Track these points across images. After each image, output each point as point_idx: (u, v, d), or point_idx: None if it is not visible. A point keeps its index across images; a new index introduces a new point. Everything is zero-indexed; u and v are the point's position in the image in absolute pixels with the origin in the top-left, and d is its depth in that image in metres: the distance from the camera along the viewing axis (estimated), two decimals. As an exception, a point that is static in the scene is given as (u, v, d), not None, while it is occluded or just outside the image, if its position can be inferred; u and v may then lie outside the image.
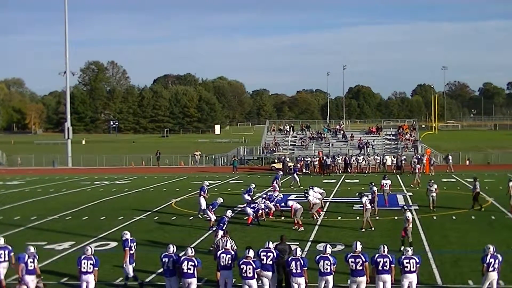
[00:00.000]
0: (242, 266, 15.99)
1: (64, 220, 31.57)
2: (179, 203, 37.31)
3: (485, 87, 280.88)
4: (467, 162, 66.54)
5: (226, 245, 16.88)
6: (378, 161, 59.35)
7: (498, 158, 69.91)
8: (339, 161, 59.27)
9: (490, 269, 15.95)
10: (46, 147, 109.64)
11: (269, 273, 16.43)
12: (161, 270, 17.18)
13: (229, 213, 24.70)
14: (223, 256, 16.49)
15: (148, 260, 21.39)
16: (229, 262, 16.42)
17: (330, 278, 15.95)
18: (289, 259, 16.14)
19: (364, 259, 15.99)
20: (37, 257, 17.36)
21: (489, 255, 16.03)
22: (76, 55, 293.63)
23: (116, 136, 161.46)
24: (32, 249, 17.16)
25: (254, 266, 16.02)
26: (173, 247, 16.73)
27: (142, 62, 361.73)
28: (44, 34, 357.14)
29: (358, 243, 16.44)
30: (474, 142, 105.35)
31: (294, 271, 15.97)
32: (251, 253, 16.16)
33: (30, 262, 16.83)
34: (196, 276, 16.23)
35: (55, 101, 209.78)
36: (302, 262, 16.00)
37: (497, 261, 16.00)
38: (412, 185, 44.19)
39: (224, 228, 22.23)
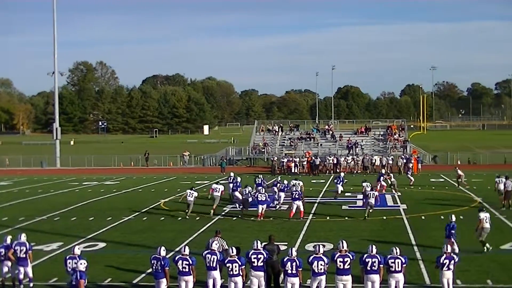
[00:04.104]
0: (228, 265, 16.15)
1: (52, 221, 31.46)
2: (168, 203, 37.27)
3: (473, 87, 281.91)
4: (458, 162, 66.74)
5: (211, 246, 16.88)
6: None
7: (486, 158, 70.24)
8: (331, 161, 59.42)
9: (445, 268, 16.29)
10: (34, 148, 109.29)
11: (261, 273, 16.48)
12: (150, 270, 17.17)
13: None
14: (208, 257, 16.54)
15: (137, 260, 21.36)
16: (214, 263, 16.47)
17: (323, 278, 16.01)
18: (285, 259, 16.15)
19: (351, 258, 16.07)
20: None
21: (444, 256, 16.37)
22: (65, 56, 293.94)
23: (104, 137, 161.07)
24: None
25: (240, 263, 16.16)
26: (163, 250, 16.62)
27: (131, 62, 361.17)
28: (33, 34, 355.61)
29: (344, 242, 16.49)
30: (463, 142, 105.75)
31: (289, 271, 16.00)
32: (235, 251, 16.34)
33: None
34: (192, 274, 16.27)
35: (44, 102, 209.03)
36: (297, 262, 16.03)
37: (452, 261, 16.31)
38: (411, 185, 44.12)
39: None
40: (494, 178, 35.66)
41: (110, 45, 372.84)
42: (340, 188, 38.24)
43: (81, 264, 15.56)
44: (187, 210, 31.64)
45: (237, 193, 34.06)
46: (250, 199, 31.79)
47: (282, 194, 34.68)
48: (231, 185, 36.32)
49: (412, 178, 45.52)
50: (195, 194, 32.08)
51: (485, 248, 22.04)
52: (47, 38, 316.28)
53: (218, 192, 32.88)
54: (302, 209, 30.51)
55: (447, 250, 16.46)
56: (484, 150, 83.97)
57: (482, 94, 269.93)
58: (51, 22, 74.10)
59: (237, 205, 33.64)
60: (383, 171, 46.24)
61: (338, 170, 58.08)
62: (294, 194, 30.85)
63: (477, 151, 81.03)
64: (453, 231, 21.42)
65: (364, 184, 33.94)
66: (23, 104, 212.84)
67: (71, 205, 37.10)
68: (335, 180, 39.37)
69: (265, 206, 30.81)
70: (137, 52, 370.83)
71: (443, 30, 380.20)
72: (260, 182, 35.84)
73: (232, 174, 38.01)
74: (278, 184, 35.57)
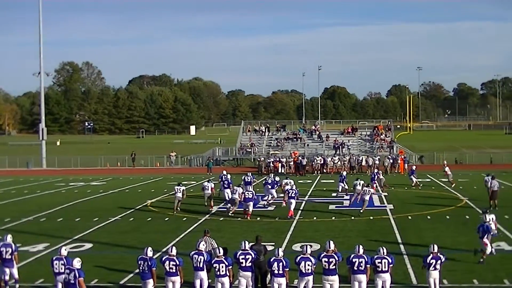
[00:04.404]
0: (215, 265, 16.18)
1: (38, 222, 31.32)
2: (154, 204, 37.18)
3: (459, 88, 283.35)
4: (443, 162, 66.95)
5: (199, 247, 16.85)
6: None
7: (472, 158, 70.57)
8: (318, 162, 59.50)
9: (431, 268, 16.35)
10: (20, 148, 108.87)
11: (249, 273, 16.49)
12: (137, 271, 17.13)
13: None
14: (195, 257, 16.52)
15: (124, 261, 21.30)
16: (201, 263, 16.45)
17: (311, 278, 16.03)
18: (272, 260, 16.16)
19: (337, 259, 16.08)
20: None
21: (430, 256, 16.43)
22: (51, 56, 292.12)
23: (91, 137, 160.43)
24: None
25: (226, 263, 16.17)
26: (150, 250, 16.58)
27: (117, 62, 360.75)
28: (18, 34, 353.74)
29: (331, 242, 16.51)
30: (449, 142, 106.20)
31: (276, 271, 16.00)
32: (222, 252, 16.39)
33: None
34: (179, 275, 16.27)
35: (29, 102, 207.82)
36: (284, 262, 16.04)
37: (438, 261, 16.37)
38: (413, 186, 43.72)
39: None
40: (481, 178, 35.85)
41: (97, 45, 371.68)
42: (342, 186, 39.01)
43: (77, 262, 15.56)
44: (175, 207, 32.71)
45: (228, 191, 34.71)
46: (238, 198, 31.96)
47: (274, 192, 35.11)
48: (222, 183, 36.51)
49: (414, 179, 44.95)
50: (183, 188, 33.56)
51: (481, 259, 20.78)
52: (33, 38, 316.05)
53: (208, 189, 34.29)
54: (292, 208, 30.84)
55: (433, 250, 16.50)
56: (470, 150, 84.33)
57: (468, 95, 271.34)
58: (37, 22, 73.82)
59: (227, 203, 33.57)
60: (376, 170, 46.51)
61: (325, 171, 58.30)
62: (290, 193, 31.31)
63: (463, 151, 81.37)
64: (487, 231, 20.91)
65: (356, 182, 34.31)
66: (9, 104, 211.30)
67: (58, 206, 36.94)
68: (339, 179, 39.99)
69: (251, 204, 30.98)
70: (123, 53, 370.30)
71: (429, 30, 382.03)
72: (249, 180, 36.68)
73: (224, 172, 38.12)
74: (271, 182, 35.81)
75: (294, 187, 32.52)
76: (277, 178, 36.84)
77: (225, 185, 35.73)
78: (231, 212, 31.83)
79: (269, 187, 35.12)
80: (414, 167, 46.46)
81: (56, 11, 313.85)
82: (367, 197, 32.01)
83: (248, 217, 30.45)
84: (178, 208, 33.01)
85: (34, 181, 54.86)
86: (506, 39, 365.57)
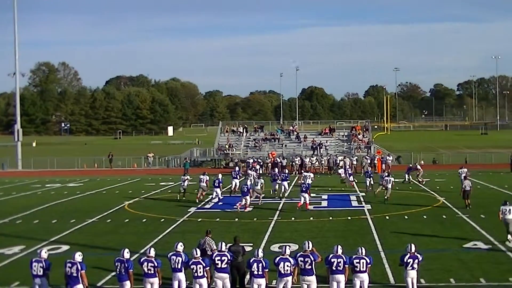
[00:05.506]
0: (192, 266, 16.14)
1: (14, 224, 31.05)
2: (132, 205, 37.01)
3: (436, 88, 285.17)
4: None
5: (177, 248, 16.79)
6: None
7: (449, 158, 71.03)
8: (297, 162, 59.55)
9: (409, 268, 16.40)
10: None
11: (225, 275, 16.44)
12: (114, 273, 17.04)
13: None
14: (173, 259, 16.50)
15: (101, 263, 21.15)
16: (179, 265, 16.39)
17: (289, 279, 16.01)
18: (251, 260, 16.14)
19: (313, 259, 16.09)
20: None
21: (408, 255, 16.50)
22: (26, 56, 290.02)
23: (67, 138, 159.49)
24: None
25: (204, 264, 16.16)
26: (127, 252, 16.51)
27: (94, 63, 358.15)
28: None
29: (309, 243, 16.52)
30: (426, 143, 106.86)
31: (255, 272, 15.98)
32: (199, 253, 16.36)
33: None
34: (157, 276, 16.22)
35: (5, 103, 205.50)
36: (264, 263, 16.04)
37: (416, 260, 16.43)
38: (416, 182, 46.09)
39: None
40: (457, 178, 36.16)
41: (73, 45, 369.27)
42: (369, 181, 41.57)
43: (79, 256, 16.07)
44: (198, 195, 37.06)
45: (218, 190, 36.30)
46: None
47: (218, 190, 36.64)
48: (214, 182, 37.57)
49: (407, 176, 46.71)
50: (207, 178, 37.89)
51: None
52: (8, 38, 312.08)
53: (204, 182, 37.55)
54: (307, 201, 33.31)
55: (411, 249, 16.56)
56: (446, 150, 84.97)
57: (445, 95, 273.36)
58: (12, 22, 73.19)
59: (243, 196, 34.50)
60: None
61: (303, 171, 58.29)
62: (302, 187, 33.74)
63: (440, 151, 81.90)
64: None
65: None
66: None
67: (34, 207, 36.62)
68: (365, 175, 42.98)
69: (248, 197, 33.62)
70: (100, 53, 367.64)
71: (406, 31, 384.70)
72: (218, 184, 36.87)
73: (220, 175, 38.73)
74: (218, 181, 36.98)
75: (307, 181, 36.05)
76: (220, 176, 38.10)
77: (215, 184, 36.61)
78: (259, 202, 35.28)
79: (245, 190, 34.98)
80: (410, 165, 49.49)
81: (31, 11, 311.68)
82: (389, 185, 36.04)
83: (246, 209, 33.08)
84: (201, 197, 37.10)
85: (9, 182, 54.33)
86: (482, 40, 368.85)
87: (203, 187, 37.56)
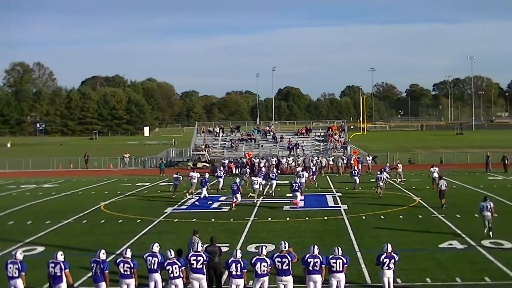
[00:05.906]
0: (168, 267, 16.12)
1: (-12, 225, 30.77)
2: (108, 206, 36.81)
3: (412, 89, 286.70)
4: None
5: (153, 248, 16.73)
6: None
7: (425, 158, 71.44)
8: (273, 163, 59.58)
9: (385, 267, 16.52)
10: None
11: (200, 276, 16.41)
12: (90, 274, 16.93)
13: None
14: (149, 259, 16.46)
15: (77, 264, 20.97)
16: (155, 265, 16.36)
17: (266, 279, 16.02)
18: (229, 261, 16.13)
19: (290, 259, 16.09)
20: None
21: (384, 255, 16.62)
22: (0, 56, 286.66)
23: (43, 139, 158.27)
24: None
25: (179, 264, 16.16)
26: (103, 253, 16.43)
27: (70, 63, 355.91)
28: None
29: (286, 243, 16.53)
30: (402, 143, 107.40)
31: (234, 273, 15.97)
32: (173, 254, 16.38)
33: None
34: (134, 277, 16.18)
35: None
36: (242, 264, 16.04)
37: (392, 260, 16.55)
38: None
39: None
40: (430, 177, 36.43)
41: (48, 45, 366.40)
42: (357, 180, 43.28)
43: (61, 255, 16.35)
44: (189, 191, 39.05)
45: (204, 190, 37.48)
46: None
47: (205, 190, 37.67)
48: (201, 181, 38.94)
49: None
50: (198, 175, 39.69)
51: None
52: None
53: (194, 179, 39.62)
54: (299, 199, 34.84)
55: (387, 249, 16.63)
56: (422, 150, 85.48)
57: (421, 95, 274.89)
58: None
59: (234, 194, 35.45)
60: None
61: (279, 172, 58.36)
62: (294, 186, 35.13)
63: (416, 152, 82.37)
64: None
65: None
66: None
67: (8, 208, 36.31)
68: (352, 173, 44.68)
69: (238, 195, 34.93)
70: (75, 53, 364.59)
71: (382, 32, 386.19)
72: (204, 183, 38.02)
73: (207, 175, 40.13)
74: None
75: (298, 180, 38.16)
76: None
77: (202, 184, 37.80)
78: (255, 199, 36.87)
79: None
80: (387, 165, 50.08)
81: (6, 11, 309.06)
82: (382, 183, 38.11)
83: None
84: (192, 191, 39.03)
85: (-16, 183, 53.85)
86: (457, 41, 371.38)
87: (194, 184, 39.58)
